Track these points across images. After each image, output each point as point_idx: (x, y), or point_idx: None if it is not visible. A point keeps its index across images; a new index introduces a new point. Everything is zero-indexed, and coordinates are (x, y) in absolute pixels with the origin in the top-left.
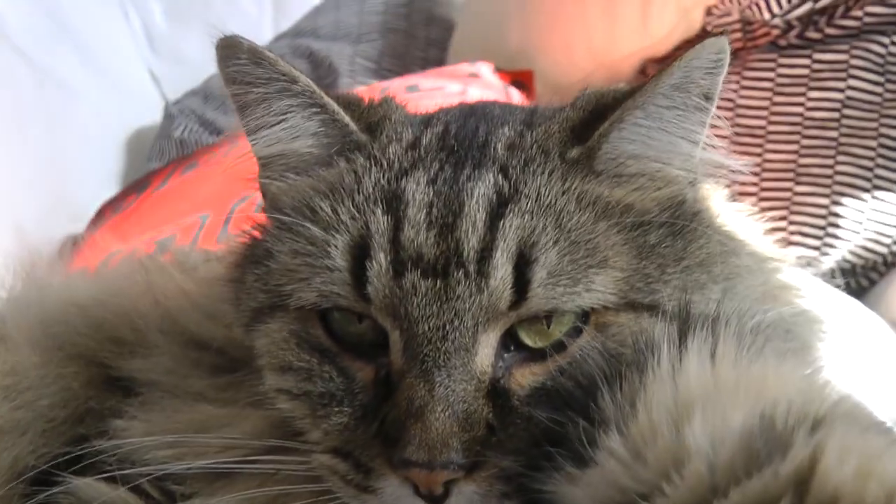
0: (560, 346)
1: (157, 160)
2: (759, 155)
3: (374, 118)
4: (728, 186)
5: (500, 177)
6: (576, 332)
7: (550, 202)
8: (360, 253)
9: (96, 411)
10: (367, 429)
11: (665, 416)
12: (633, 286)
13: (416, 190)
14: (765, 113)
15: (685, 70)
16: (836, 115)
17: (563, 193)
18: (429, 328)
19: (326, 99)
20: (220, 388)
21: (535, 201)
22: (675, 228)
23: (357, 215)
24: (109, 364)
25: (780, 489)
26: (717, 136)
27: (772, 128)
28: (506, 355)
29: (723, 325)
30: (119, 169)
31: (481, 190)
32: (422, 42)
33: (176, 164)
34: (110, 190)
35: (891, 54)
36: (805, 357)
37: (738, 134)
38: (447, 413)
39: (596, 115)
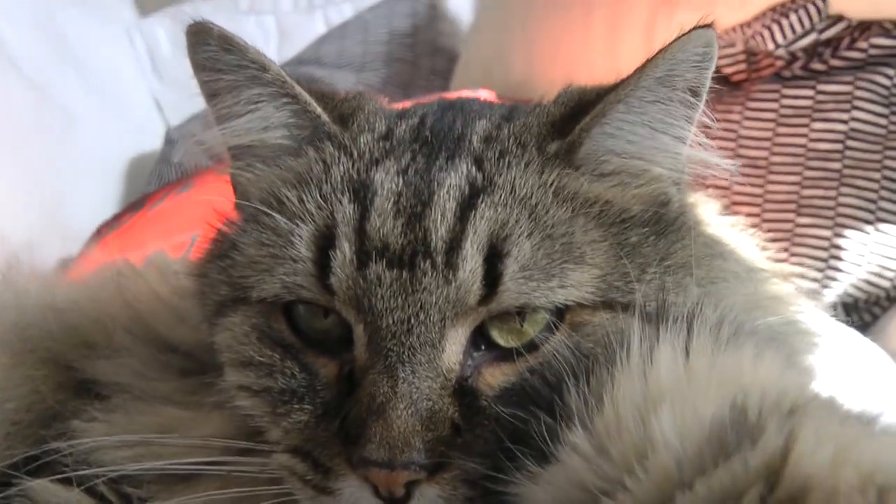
0: (533, 346)
1: (156, 185)
2: (761, 186)
3: (346, 110)
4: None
5: (473, 168)
6: (550, 331)
7: (526, 195)
8: (324, 243)
9: (62, 415)
10: (327, 427)
11: (632, 410)
12: (612, 284)
13: (386, 179)
14: (768, 144)
15: (670, 63)
16: (839, 146)
17: (540, 187)
18: (393, 321)
19: (298, 89)
20: (188, 392)
21: (510, 193)
22: (657, 228)
23: (323, 205)
24: (77, 367)
25: (750, 479)
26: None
27: (775, 159)
28: (475, 354)
29: (699, 322)
30: (117, 194)
31: (453, 180)
32: (425, 72)
33: (172, 186)
34: (107, 215)
35: (895, 86)
36: (789, 360)
37: (741, 165)
38: (410, 411)
39: (578, 110)
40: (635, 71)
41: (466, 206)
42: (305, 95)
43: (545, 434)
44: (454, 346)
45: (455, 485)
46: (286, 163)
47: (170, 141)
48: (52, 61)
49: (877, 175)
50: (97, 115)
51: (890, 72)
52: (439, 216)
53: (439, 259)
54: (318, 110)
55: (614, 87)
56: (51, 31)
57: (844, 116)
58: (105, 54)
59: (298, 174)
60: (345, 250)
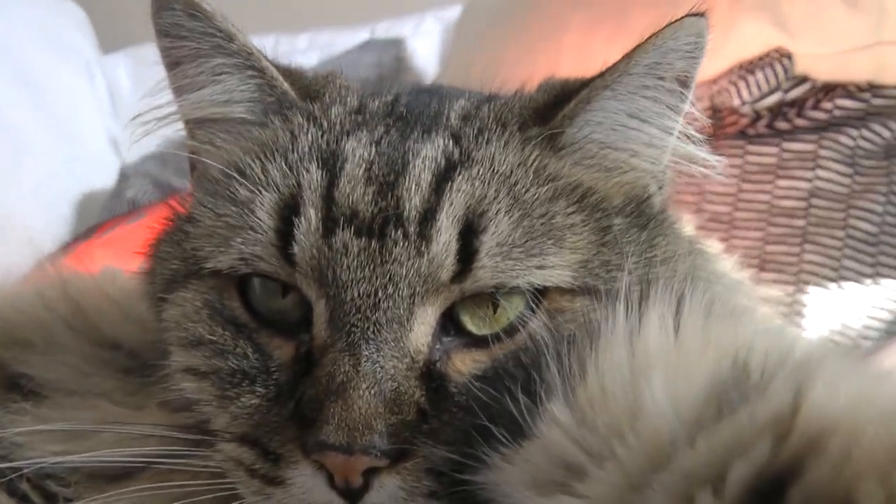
0: (507, 333)
1: (107, 217)
2: (725, 241)
3: (315, 87)
4: None
5: (450, 142)
6: (525, 317)
7: (505, 172)
8: (288, 212)
9: None
10: (280, 411)
11: (619, 379)
12: (591, 271)
13: (357, 147)
14: (731, 199)
15: (660, 51)
16: (803, 204)
17: (520, 165)
18: (358, 294)
19: (265, 62)
20: (129, 392)
21: (488, 169)
22: (640, 221)
23: (289, 173)
24: (9, 363)
25: (758, 431)
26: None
27: (738, 214)
28: (444, 339)
29: (690, 297)
30: (66, 228)
31: (428, 152)
32: None
33: (123, 217)
34: (53, 248)
35: (859, 147)
36: None
37: (705, 219)
38: (373, 391)
39: (561, 98)
40: (624, 57)
41: (442, 178)
42: (272, 70)
43: (522, 411)
44: (423, 327)
45: (418, 475)
46: (250, 134)
47: (124, 177)
48: (8, 91)
49: (840, 233)
50: (51, 148)
51: (853, 132)
52: (413, 185)
53: (412, 229)
54: (285, 85)
55: (601, 74)
56: (9, 61)
57: (808, 175)
58: (64, 89)
59: (263, 144)
60: (310, 217)
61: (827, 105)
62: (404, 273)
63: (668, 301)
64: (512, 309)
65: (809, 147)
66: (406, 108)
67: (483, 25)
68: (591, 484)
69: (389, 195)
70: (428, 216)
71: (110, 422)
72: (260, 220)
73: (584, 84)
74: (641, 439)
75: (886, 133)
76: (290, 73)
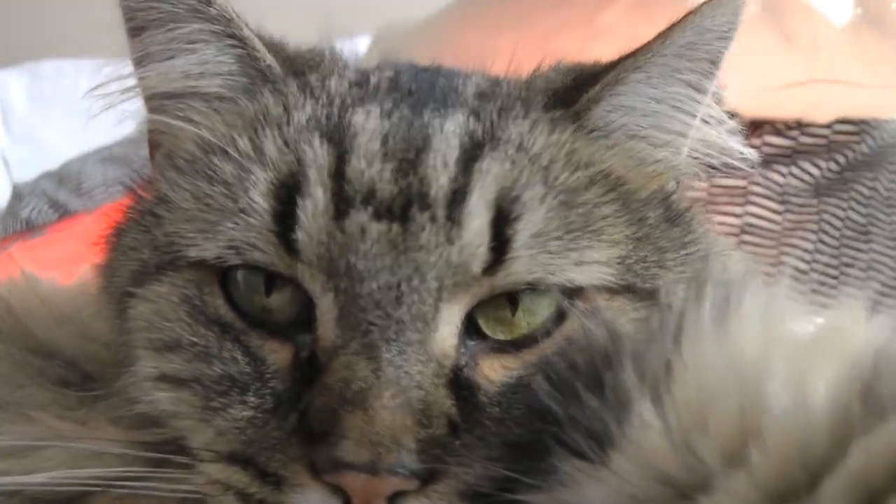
0: (540, 336)
1: (2, 235)
2: None
3: (304, 60)
4: None
5: (471, 119)
6: (558, 319)
7: (536, 154)
8: (288, 192)
9: None
10: (280, 424)
11: (722, 376)
12: (630, 267)
13: (367, 121)
14: None
15: (697, 31)
16: (734, 240)
17: (551, 147)
18: (378, 287)
19: (247, 31)
20: (68, 406)
21: (518, 150)
22: (669, 215)
23: (286, 148)
24: None
25: None
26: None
27: None
28: (469, 342)
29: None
30: None
31: (450, 127)
32: None
33: (20, 234)
34: None
35: (789, 184)
36: None
37: None
38: (398, 400)
39: (585, 80)
40: (658, 36)
41: (470, 157)
42: (255, 40)
43: (603, 417)
44: (449, 327)
45: (451, 499)
46: (234, 106)
47: (17, 195)
48: None
49: (772, 269)
50: None
51: (783, 170)
52: (440, 162)
53: (440, 212)
54: (269, 58)
55: (632, 54)
56: None
57: (738, 210)
58: None
59: (250, 118)
60: (317, 197)
61: (756, 141)
62: (433, 262)
63: (755, 290)
64: (536, 314)
65: (740, 183)
66: (412, 83)
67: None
68: (720, 496)
69: (411, 173)
70: (457, 198)
71: (54, 437)
72: (253, 201)
73: (612, 65)
74: (776, 443)
75: (815, 171)
76: (274, 46)
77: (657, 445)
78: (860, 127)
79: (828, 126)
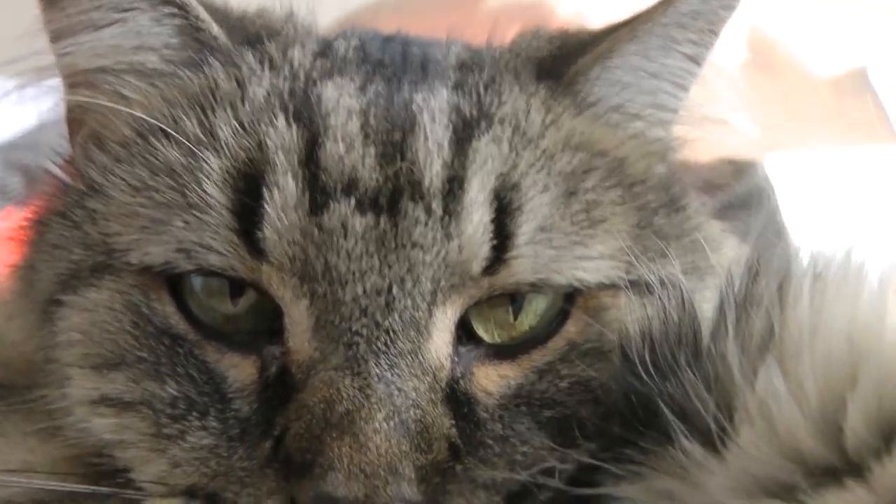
0: (538, 340)
1: None
2: None
3: (254, 27)
4: None
5: (457, 95)
6: (558, 319)
7: (533, 135)
8: (249, 182)
9: None
10: (250, 453)
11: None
12: (635, 259)
13: (341, 96)
14: None
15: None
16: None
17: (548, 126)
18: (364, 291)
19: None
20: None
21: (514, 130)
22: (667, 199)
23: (242, 131)
24: None
25: None
26: None
27: None
28: (461, 349)
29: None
30: None
31: (437, 103)
32: None
33: None
34: None
35: None
36: None
37: None
38: (392, 423)
39: (571, 49)
40: (659, 3)
41: (462, 139)
42: (197, 6)
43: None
44: (443, 335)
45: None
46: (177, 80)
47: None
48: None
49: None
50: None
51: None
52: (431, 145)
53: (436, 204)
54: (216, 28)
55: (628, 22)
56: None
57: None
58: None
59: (195, 94)
60: (287, 188)
61: None
62: (428, 262)
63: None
64: (538, 311)
65: None
66: (382, 53)
67: None
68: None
69: (399, 158)
70: (454, 187)
71: None
72: (206, 194)
73: (606, 33)
74: None
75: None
76: (218, 11)
77: (791, 418)
78: (740, 168)
79: (710, 166)
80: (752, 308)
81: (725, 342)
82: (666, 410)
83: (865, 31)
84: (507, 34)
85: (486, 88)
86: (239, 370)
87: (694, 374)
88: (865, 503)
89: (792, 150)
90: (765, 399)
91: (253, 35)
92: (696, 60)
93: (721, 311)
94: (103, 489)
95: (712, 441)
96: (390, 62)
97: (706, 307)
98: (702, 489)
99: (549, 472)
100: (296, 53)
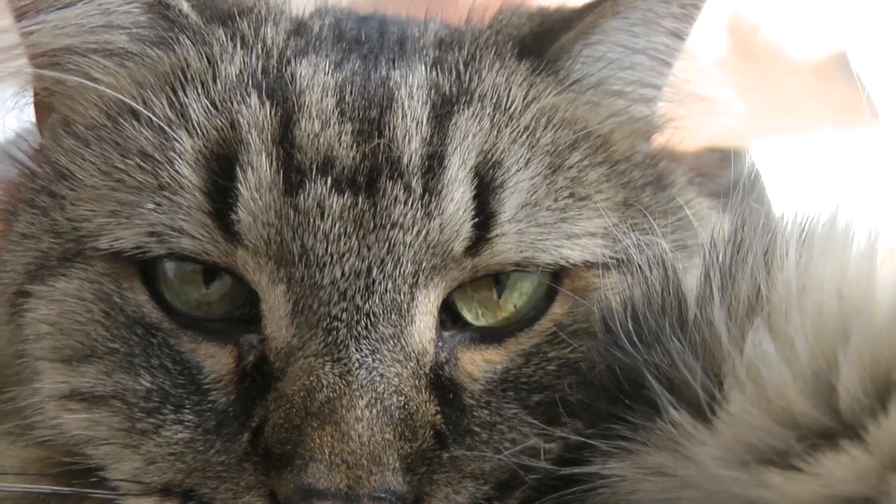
0: (524, 322)
1: None
2: None
3: (226, 4)
4: None
5: (435, 71)
6: (544, 301)
7: (514, 111)
8: (221, 164)
9: None
10: (227, 446)
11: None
12: (622, 237)
13: (316, 74)
14: None
15: None
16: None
17: (530, 103)
18: (342, 274)
19: None
20: None
21: (494, 107)
22: (653, 175)
23: (214, 110)
24: None
25: None
26: None
27: None
28: (445, 334)
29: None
30: None
31: (415, 80)
32: None
33: None
34: None
35: None
36: None
37: None
38: (375, 410)
39: (552, 26)
40: None
41: (442, 115)
42: None
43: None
44: (425, 318)
45: None
46: (146, 60)
47: None
48: None
49: None
50: None
51: None
52: (410, 121)
53: (415, 182)
54: (185, 6)
55: None
56: None
57: None
58: None
59: (165, 73)
60: (261, 168)
61: None
62: (409, 242)
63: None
64: (519, 297)
65: None
66: (358, 31)
67: None
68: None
69: (376, 135)
70: (434, 164)
71: None
72: (179, 174)
73: (588, 9)
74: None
75: None
76: None
77: (782, 379)
78: (726, 155)
79: (696, 155)
80: (738, 271)
81: (712, 308)
82: (652, 381)
83: (844, 15)
84: (487, 15)
85: (465, 65)
86: (215, 360)
87: (680, 342)
88: (863, 465)
89: (776, 135)
90: (754, 362)
91: (224, 13)
92: (680, 35)
93: (706, 276)
94: (75, 490)
95: (702, 410)
96: (367, 40)
97: (693, 284)
98: (694, 461)
99: (534, 453)
100: (268, 31)
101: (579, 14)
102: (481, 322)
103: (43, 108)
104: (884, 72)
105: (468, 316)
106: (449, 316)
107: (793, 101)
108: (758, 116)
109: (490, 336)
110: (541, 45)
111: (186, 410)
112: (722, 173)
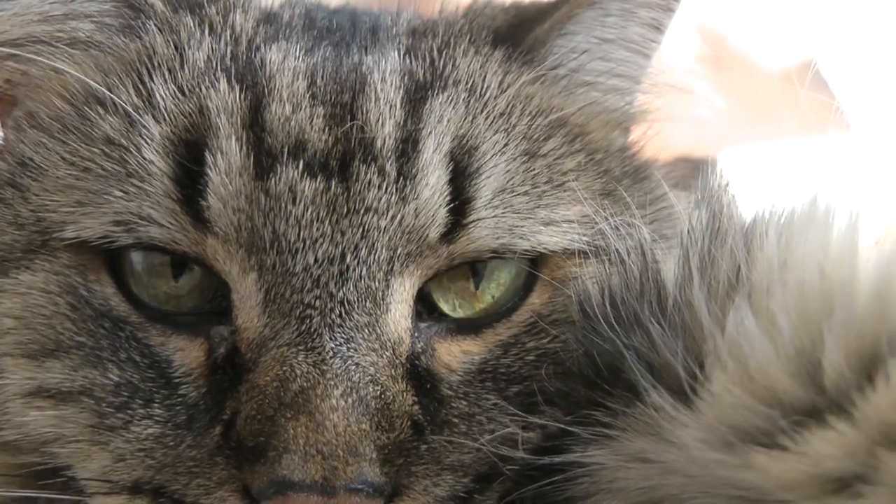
0: (502, 313)
1: None
2: None
3: None
4: None
5: (408, 58)
6: (523, 291)
7: (489, 97)
8: (190, 149)
9: None
10: (199, 440)
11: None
12: (600, 226)
13: (286, 59)
14: None
15: None
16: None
17: (505, 90)
18: (315, 260)
19: None
20: None
21: (469, 93)
22: (631, 166)
23: (182, 96)
24: None
25: None
26: None
27: None
28: (421, 325)
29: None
30: None
31: (388, 66)
32: None
33: None
34: None
35: None
36: None
37: None
38: (350, 400)
39: (528, 17)
40: None
41: (416, 99)
42: None
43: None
44: (401, 307)
45: None
46: (109, 49)
47: None
48: None
49: None
50: None
51: None
52: (383, 105)
53: (389, 165)
54: None
55: None
56: None
57: None
58: None
59: (131, 61)
60: (231, 152)
61: None
62: (383, 227)
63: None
64: (501, 280)
65: None
66: (329, 21)
67: None
68: (861, 418)
69: (349, 118)
70: (408, 147)
71: None
72: (147, 161)
73: (564, 0)
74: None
75: None
76: None
77: (765, 356)
78: (697, 165)
79: (670, 164)
80: (718, 252)
81: (691, 289)
82: (632, 364)
83: (812, 23)
84: (461, 9)
85: (439, 52)
86: (185, 353)
87: (660, 325)
88: (851, 440)
89: (747, 143)
90: (736, 340)
91: (192, 1)
92: (658, 27)
93: (685, 259)
94: (41, 493)
95: (683, 391)
96: (338, 28)
97: (672, 269)
98: (676, 445)
99: (513, 444)
100: (237, 18)
101: (555, 5)
102: (459, 314)
103: (6, 101)
104: (853, 79)
105: (445, 307)
106: (425, 307)
107: (763, 109)
108: (728, 125)
109: (468, 327)
110: (516, 34)
111: (156, 405)
112: (693, 183)
